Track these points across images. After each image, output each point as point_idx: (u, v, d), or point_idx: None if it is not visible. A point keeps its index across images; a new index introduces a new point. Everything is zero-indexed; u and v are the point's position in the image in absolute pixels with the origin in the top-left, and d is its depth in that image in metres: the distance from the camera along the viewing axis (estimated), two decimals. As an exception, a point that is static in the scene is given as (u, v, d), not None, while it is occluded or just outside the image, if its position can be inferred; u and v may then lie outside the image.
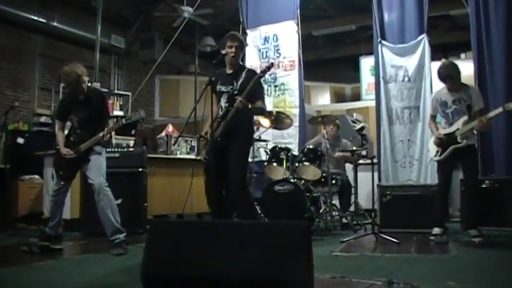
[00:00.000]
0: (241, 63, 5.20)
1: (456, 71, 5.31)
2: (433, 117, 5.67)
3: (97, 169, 4.99)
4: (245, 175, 5.02)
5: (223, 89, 4.93)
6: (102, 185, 4.91)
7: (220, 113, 4.89)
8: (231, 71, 4.98)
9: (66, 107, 5.26)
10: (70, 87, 5.10)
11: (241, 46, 5.01)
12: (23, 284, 3.49)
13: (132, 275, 3.57)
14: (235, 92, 4.82)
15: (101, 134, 4.97)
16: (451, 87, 5.37)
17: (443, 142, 5.36)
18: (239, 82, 4.84)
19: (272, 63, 5.06)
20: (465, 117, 5.25)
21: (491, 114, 5.05)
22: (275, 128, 6.80)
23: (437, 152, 5.42)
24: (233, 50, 4.90)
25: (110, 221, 4.88)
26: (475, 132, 5.41)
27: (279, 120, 6.57)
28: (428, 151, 5.89)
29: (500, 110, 5.00)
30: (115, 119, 5.00)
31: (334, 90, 14.10)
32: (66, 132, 5.30)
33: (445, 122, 5.47)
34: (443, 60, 5.57)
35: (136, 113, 5.11)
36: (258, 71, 5.03)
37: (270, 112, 6.45)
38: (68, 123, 5.31)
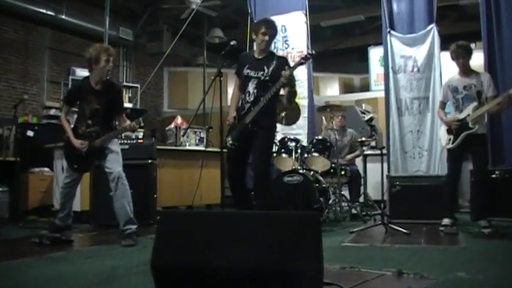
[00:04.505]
0: (270, 49, 5.16)
1: (467, 50, 5.34)
2: (442, 105, 5.66)
3: (115, 159, 4.99)
4: (269, 166, 5.08)
5: (252, 74, 4.89)
6: (120, 174, 4.91)
7: (248, 99, 4.87)
8: (261, 57, 4.95)
9: (77, 92, 5.20)
10: (89, 65, 4.98)
11: (275, 34, 5.03)
12: (33, 276, 3.51)
13: (142, 266, 3.59)
14: (267, 78, 4.80)
15: (128, 126, 4.97)
16: (462, 69, 5.37)
17: (454, 129, 5.34)
18: (270, 68, 4.81)
19: (311, 53, 4.92)
20: (475, 103, 5.23)
21: (511, 91, 5.03)
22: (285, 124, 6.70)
23: (449, 139, 5.40)
24: (267, 37, 4.90)
25: (124, 210, 4.88)
26: (483, 121, 5.37)
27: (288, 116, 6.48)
28: (440, 140, 5.85)
29: (511, 92, 4.99)
30: (133, 122, 5.01)
31: (343, 81, 14.06)
32: (73, 118, 5.29)
33: (455, 108, 5.45)
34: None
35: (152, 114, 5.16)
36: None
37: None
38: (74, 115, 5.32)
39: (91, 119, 5.03)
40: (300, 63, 4.86)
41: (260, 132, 4.82)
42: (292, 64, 4.89)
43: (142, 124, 5.10)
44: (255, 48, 5.10)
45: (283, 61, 4.92)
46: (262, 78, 4.83)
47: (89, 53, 4.94)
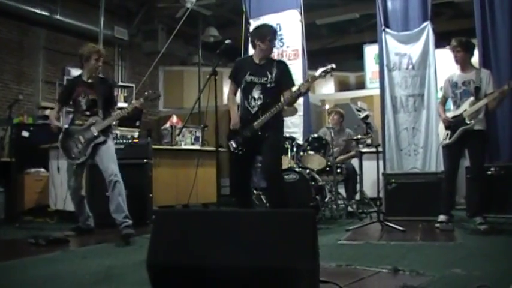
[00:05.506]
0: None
1: (463, 45, 5.37)
2: (443, 100, 5.69)
3: (109, 156, 5.07)
4: (280, 166, 5.15)
5: (256, 80, 4.92)
6: (115, 173, 4.98)
7: (254, 103, 4.90)
8: (262, 62, 5.00)
9: (69, 89, 5.35)
10: (80, 61, 5.21)
11: None
12: (30, 276, 3.51)
13: (138, 265, 3.58)
14: (273, 85, 4.88)
15: (137, 103, 5.08)
16: (458, 64, 5.41)
17: (451, 125, 5.35)
18: (273, 74, 4.89)
19: (333, 68, 4.97)
20: (472, 98, 5.25)
21: (506, 87, 5.06)
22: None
23: (447, 135, 5.41)
24: (273, 44, 5.05)
25: (121, 208, 4.97)
26: (480, 116, 5.36)
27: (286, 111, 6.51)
28: (438, 135, 5.85)
29: (505, 87, 5.04)
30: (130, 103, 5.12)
31: (338, 79, 14.03)
32: (68, 118, 5.34)
33: (453, 103, 5.51)
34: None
35: (153, 92, 5.21)
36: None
37: None
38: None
39: (88, 110, 5.14)
40: (320, 76, 4.99)
41: (270, 134, 4.85)
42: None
43: (143, 101, 5.15)
44: (254, 53, 5.15)
45: (283, 66, 5.05)
46: (269, 85, 4.88)
47: (82, 50, 5.18)
